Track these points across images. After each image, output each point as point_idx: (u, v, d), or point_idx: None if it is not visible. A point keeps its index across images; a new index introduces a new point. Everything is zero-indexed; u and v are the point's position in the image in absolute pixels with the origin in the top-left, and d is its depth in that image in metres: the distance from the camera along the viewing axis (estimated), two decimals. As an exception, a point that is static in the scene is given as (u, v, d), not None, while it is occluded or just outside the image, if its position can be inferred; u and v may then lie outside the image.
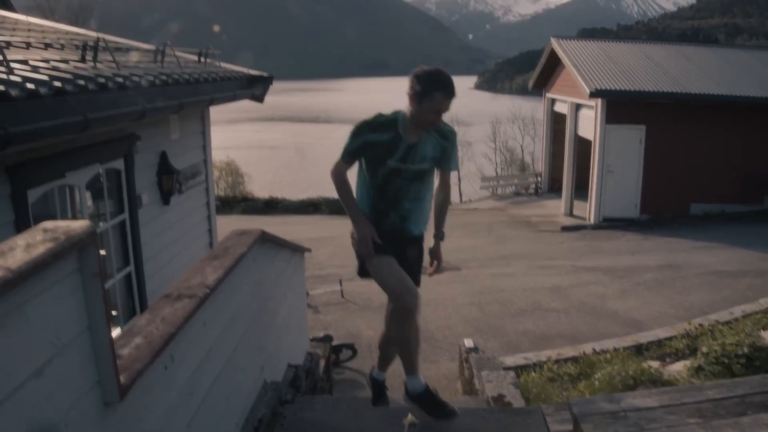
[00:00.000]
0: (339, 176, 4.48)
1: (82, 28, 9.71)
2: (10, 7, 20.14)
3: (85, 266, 2.15)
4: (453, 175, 4.94)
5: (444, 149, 4.57)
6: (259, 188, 41.24)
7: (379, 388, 5.00)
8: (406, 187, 4.49)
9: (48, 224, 2.13)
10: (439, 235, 4.79)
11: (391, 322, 4.56)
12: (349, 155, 4.46)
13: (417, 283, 4.58)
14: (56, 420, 2.04)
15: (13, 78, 3.87)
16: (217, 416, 3.59)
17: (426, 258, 4.75)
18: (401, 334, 4.49)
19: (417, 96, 4.23)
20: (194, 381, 3.21)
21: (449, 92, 4.20)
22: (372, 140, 4.38)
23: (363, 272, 4.61)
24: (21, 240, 1.99)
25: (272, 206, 27.39)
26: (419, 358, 4.71)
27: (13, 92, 3.64)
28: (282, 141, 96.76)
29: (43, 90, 3.93)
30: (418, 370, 4.56)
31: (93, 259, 2.16)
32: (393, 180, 4.45)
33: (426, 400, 4.41)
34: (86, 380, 2.22)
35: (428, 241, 4.74)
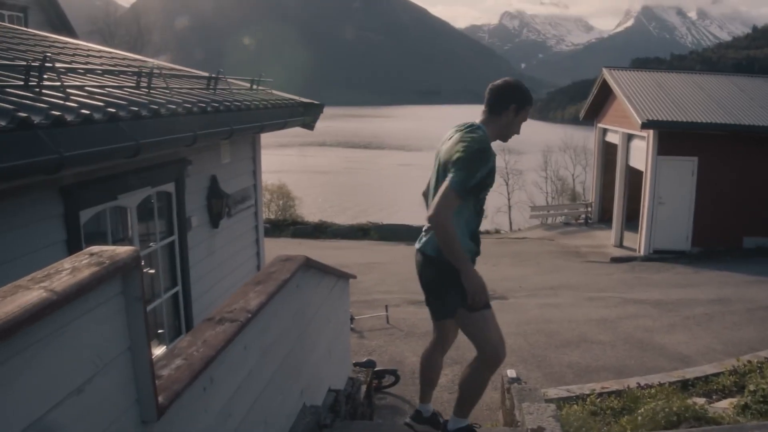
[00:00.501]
0: (450, 221, 4.00)
1: (139, 54, 9.98)
2: (72, 33, 20.74)
3: (128, 289, 2.24)
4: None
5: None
6: (308, 212, 41.69)
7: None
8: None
9: (94, 249, 2.23)
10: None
11: (480, 368, 4.47)
12: (474, 187, 4.11)
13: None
14: (96, 437, 2.12)
15: (69, 104, 4.00)
16: (255, 438, 3.65)
17: None
18: (485, 381, 4.57)
19: (516, 107, 4.30)
20: (233, 403, 3.28)
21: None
22: (494, 164, 4.18)
23: (445, 314, 4.51)
24: (67, 263, 2.08)
25: (321, 230, 27.61)
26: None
27: (69, 117, 3.76)
28: (332, 166, 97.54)
29: (97, 115, 4.06)
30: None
31: (136, 283, 2.24)
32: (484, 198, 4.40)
33: None
34: (126, 399, 2.30)
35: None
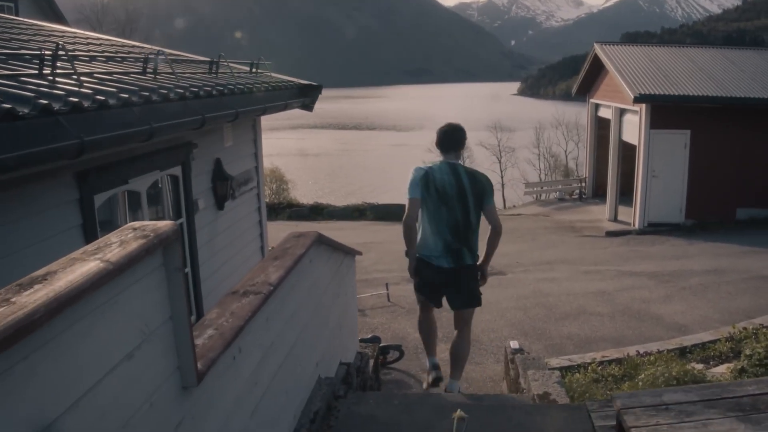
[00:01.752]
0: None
1: (131, 40, 10.04)
2: (63, 21, 20.70)
3: (169, 261, 2.39)
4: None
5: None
6: (302, 195, 41.71)
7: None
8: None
9: (136, 224, 2.37)
10: None
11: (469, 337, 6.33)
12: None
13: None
14: (143, 399, 2.27)
15: (83, 90, 4.12)
16: (278, 407, 3.81)
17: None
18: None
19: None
20: (258, 372, 3.44)
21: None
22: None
23: (478, 303, 6.18)
24: (114, 237, 2.22)
25: (317, 212, 27.72)
26: None
27: (86, 103, 3.88)
28: (325, 148, 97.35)
29: (112, 101, 4.18)
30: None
31: (176, 255, 2.39)
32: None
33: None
34: (169, 365, 2.45)
35: None
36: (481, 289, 6.08)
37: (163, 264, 2.37)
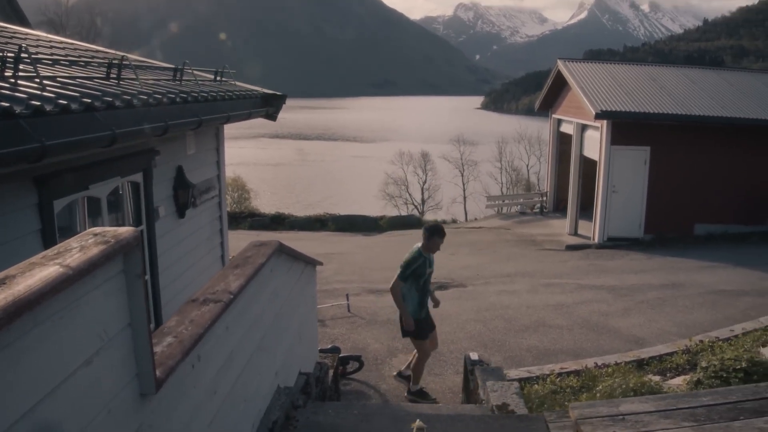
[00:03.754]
0: (398, 292, 8.09)
1: (95, 44, 9.94)
2: (25, 23, 20.43)
3: (129, 268, 2.37)
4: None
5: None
6: (263, 204, 41.60)
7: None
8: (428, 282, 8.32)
9: (96, 229, 2.36)
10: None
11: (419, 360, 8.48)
12: (404, 277, 8.04)
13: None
14: (101, 406, 2.26)
15: (46, 94, 4.08)
16: (236, 416, 3.79)
17: None
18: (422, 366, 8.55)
19: (427, 236, 8.14)
20: (217, 381, 3.42)
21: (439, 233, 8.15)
22: (416, 267, 8.02)
23: (404, 334, 8.46)
24: (74, 242, 2.21)
25: (279, 222, 27.63)
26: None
27: (48, 107, 3.85)
28: (286, 158, 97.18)
29: (74, 106, 4.14)
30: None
31: (137, 262, 2.38)
32: (427, 281, 8.24)
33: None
34: (127, 372, 2.44)
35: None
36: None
37: (123, 270, 2.36)
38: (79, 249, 2.12)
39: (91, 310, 2.16)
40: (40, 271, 1.90)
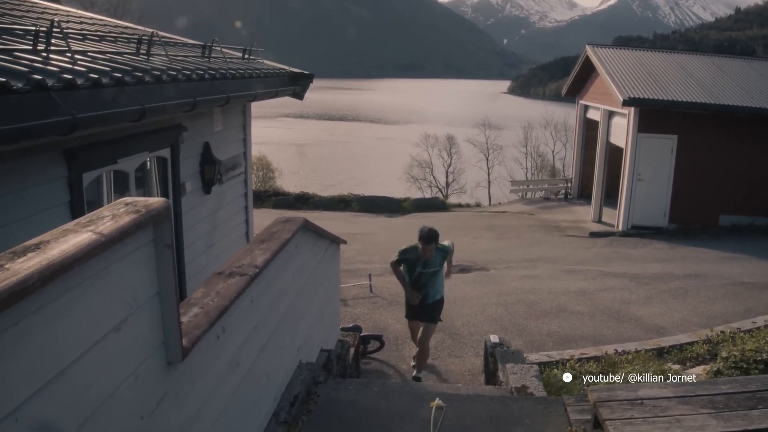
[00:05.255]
0: (395, 269, 8.37)
1: (123, 21, 10.02)
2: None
3: (159, 238, 2.42)
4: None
5: (444, 256, 8.29)
6: (287, 183, 41.70)
7: None
8: (425, 279, 8.26)
9: (128, 199, 2.41)
10: (448, 273, 8.64)
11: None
12: (398, 263, 8.27)
13: (437, 320, 8.49)
14: (128, 372, 2.31)
15: (77, 68, 4.14)
16: (258, 389, 3.86)
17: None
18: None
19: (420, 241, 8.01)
20: (240, 353, 3.48)
21: (426, 242, 7.92)
22: (405, 258, 8.22)
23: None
24: (106, 211, 2.26)
25: (303, 201, 27.71)
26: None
27: (79, 81, 3.90)
28: (310, 138, 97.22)
29: (105, 80, 4.20)
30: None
31: (166, 232, 2.43)
32: (419, 277, 8.25)
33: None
34: (154, 340, 2.49)
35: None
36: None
37: (153, 240, 2.41)
38: (111, 217, 2.17)
39: (121, 277, 2.21)
40: (73, 237, 1.95)
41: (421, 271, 8.20)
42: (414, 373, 8.41)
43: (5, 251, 1.86)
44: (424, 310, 8.36)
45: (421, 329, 8.43)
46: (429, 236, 7.98)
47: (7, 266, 1.72)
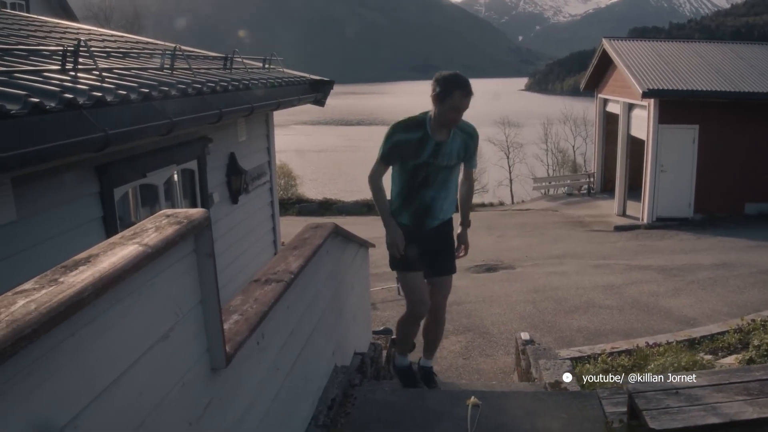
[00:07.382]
0: (375, 182, 5.13)
1: (145, 37, 10.17)
2: (73, 18, 20.82)
3: (200, 247, 2.49)
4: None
5: (468, 147, 5.04)
6: (309, 190, 41.82)
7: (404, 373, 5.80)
8: (433, 177, 4.99)
9: (168, 211, 2.47)
10: (465, 223, 5.37)
11: (402, 322, 5.61)
12: (385, 156, 5.02)
13: (452, 270, 5.38)
14: (176, 379, 2.37)
15: (105, 85, 4.24)
16: (298, 392, 3.92)
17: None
18: (407, 331, 5.66)
19: (438, 96, 4.72)
20: (279, 358, 3.54)
21: (467, 90, 4.69)
22: (402, 139, 4.91)
23: (393, 266, 5.34)
24: (149, 223, 2.32)
25: (326, 207, 27.88)
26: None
27: (108, 98, 3.99)
28: (329, 144, 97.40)
29: (133, 96, 4.30)
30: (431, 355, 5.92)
31: (207, 242, 2.49)
32: (421, 172, 4.97)
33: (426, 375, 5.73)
34: (199, 347, 2.56)
35: (456, 229, 5.36)
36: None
37: (195, 250, 2.47)
38: (154, 229, 2.23)
39: (166, 286, 2.27)
40: (120, 250, 2.01)
41: (430, 161, 4.92)
42: (420, 360, 5.91)
43: (56, 266, 1.92)
44: (430, 243, 5.13)
45: (432, 288, 5.36)
46: (465, 82, 4.75)
47: (61, 280, 1.78)
